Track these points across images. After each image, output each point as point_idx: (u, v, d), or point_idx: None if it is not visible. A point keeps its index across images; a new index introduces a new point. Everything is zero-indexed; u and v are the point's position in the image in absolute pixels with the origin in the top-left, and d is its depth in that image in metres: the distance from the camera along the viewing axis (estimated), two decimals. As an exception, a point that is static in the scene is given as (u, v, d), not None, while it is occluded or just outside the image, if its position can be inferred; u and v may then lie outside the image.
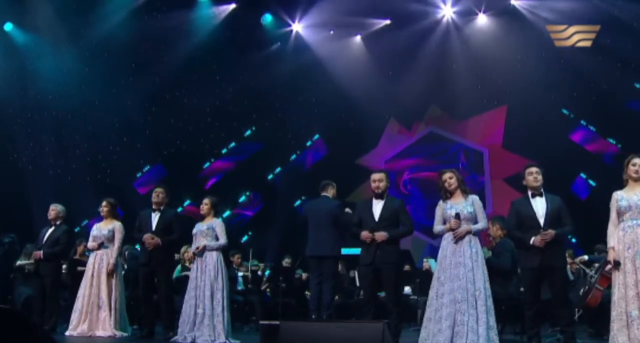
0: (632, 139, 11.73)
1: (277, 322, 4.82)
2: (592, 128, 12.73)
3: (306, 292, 11.12)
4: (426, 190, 13.40)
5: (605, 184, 11.68)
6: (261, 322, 6.93)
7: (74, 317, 7.41)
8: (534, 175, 5.99)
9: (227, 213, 13.34)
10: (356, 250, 10.23)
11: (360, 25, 13.44)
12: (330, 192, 7.51)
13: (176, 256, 8.52)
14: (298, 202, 13.89)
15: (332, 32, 13.60)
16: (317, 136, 14.52)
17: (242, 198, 14.10)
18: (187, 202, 13.32)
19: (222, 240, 6.99)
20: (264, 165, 14.16)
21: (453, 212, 5.75)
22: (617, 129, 12.25)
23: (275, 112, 13.88)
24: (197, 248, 6.91)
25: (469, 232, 5.72)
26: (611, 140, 12.53)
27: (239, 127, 14.31)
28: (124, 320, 7.56)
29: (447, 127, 13.90)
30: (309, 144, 14.57)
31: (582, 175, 12.62)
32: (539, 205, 5.98)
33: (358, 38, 13.71)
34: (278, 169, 14.43)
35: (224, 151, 14.36)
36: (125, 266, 8.89)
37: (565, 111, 12.91)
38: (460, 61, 13.12)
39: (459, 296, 5.51)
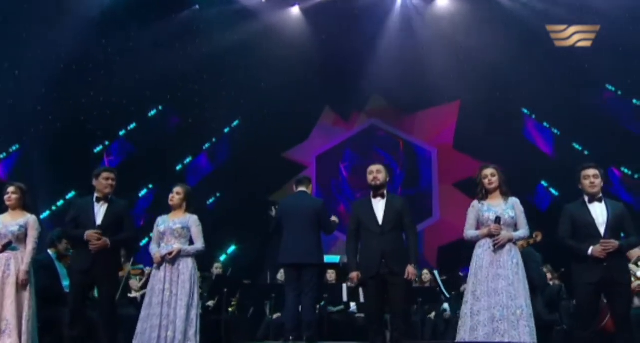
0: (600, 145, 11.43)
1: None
2: (556, 131, 12.22)
3: (229, 309, 9.72)
4: (361, 194, 12.33)
5: (568, 194, 11.28)
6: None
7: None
8: (590, 180, 5.44)
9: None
10: (334, 258, 9.01)
11: (301, -7, 12.26)
12: (309, 188, 6.92)
13: None
14: (218, 195, 12.39)
15: (264, -1, 12.23)
16: (236, 122, 13.08)
17: (144, 192, 12.30)
18: (71, 193, 11.38)
19: (199, 243, 5.97)
20: (171, 154, 12.44)
21: (492, 216, 5.36)
22: (584, 134, 11.78)
23: (188, 92, 12.32)
24: (170, 253, 5.81)
25: (510, 240, 5.34)
26: (576, 146, 12.06)
27: (142, 107, 12.49)
28: (36, 347, 5.86)
29: (391, 121, 12.99)
30: (226, 131, 13.12)
31: (543, 182, 12.08)
32: (598, 211, 5.44)
33: (296, 9, 12.40)
34: (188, 159, 12.85)
35: (121, 133, 12.51)
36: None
37: (525, 111, 12.32)
38: (412, 46, 12.19)
39: (497, 314, 5.12)
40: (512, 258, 5.29)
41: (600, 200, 5.45)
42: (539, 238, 7.02)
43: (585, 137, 11.74)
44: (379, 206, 5.81)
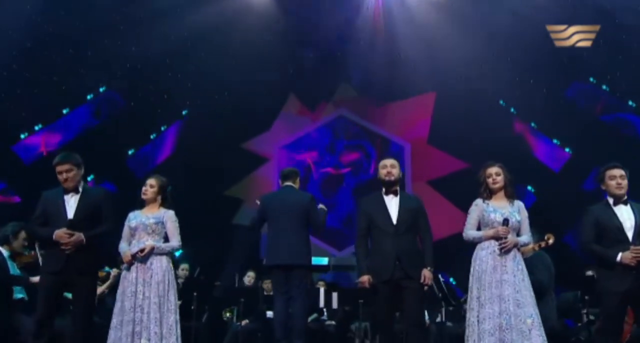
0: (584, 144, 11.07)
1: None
2: (534, 125, 11.77)
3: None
4: (329, 190, 11.63)
5: (549, 195, 10.91)
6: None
7: None
8: (617, 180, 5.34)
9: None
10: (321, 260, 8.33)
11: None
12: (296, 182, 6.65)
13: None
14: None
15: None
16: (190, 109, 12.09)
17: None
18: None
19: (175, 240, 5.63)
20: (115, 142, 11.32)
21: (499, 217, 5.20)
22: (568, 132, 11.34)
23: (134, 73, 11.29)
24: (142, 251, 5.42)
25: (516, 245, 5.21)
26: (559, 144, 11.65)
27: (79, 87, 11.35)
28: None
29: (361, 112, 12.26)
30: (178, 117, 12.12)
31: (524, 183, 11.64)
32: (625, 215, 5.34)
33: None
34: (131, 151, 11.85)
35: (65, 111, 11.39)
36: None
37: (504, 104, 11.82)
38: (386, 32, 11.45)
39: (504, 323, 4.97)
40: (517, 264, 5.16)
41: (625, 203, 5.34)
42: (551, 241, 6.62)
43: (570, 137, 11.36)
44: (392, 204, 5.56)
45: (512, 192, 5.38)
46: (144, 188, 5.67)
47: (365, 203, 5.71)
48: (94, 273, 5.59)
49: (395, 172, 5.60)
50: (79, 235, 5.20)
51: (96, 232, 5.35)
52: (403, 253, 5.40)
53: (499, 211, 5.23)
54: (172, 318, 5.40)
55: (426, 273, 5.42)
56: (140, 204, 5.69)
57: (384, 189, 5.63)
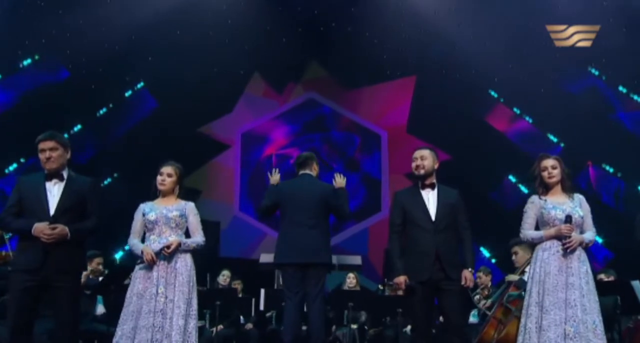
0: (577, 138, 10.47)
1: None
2: (528, 119, 11.09)
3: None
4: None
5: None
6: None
7: None
8: None
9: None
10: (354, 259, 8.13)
11: None
12: (314, 170, 6.03)
13: None
14: (108, 180, 10.35)
15: None
16: (141, 84, 11.00)
17: (14, 166, 10.02)
18: None
19: (199, 235, 5.10)
20: (54, 119, 9.83)
21: (560, 214, 4.89)
22: (560, 124, 10.71)
23: (77, 37, 10.07)
24: (168, 248, 4.87)
25: (581, 243, 4.91)
26: (552, 138, 10.99)
27: (10, 53, 10.18)
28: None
29: (334, 96, 11.33)
30: (127, 95, 10.98)
31: (511, 177, 10.95)
32: None
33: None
34: (78, 127, 10.68)
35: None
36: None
37: (493, 93, 11.12)
38: (365, 8, 10.60)
39: (572, 330, 4.69)
40: (582, 265, 4.86)
41: None
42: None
43: (563, 129, 10.70)
44: (429, 198, 5.19)
45: (571, 185, 5.05)
46: (160, 178, 5.09)
47: (400, 197, 5.30)
48: (77, 272, 4.86)
49: (427, 163, 5.19)
50: (63, 228, 4.58)
51: (82, 227, 4.71)
52: (443, 252, 5.03)
53: (559, 207, 4.90)
54: (192, 324, 4.93)
55: (467, 275, 5.07)
56: (152, 195, 5.12)
57: (419, 183, 5.23)
